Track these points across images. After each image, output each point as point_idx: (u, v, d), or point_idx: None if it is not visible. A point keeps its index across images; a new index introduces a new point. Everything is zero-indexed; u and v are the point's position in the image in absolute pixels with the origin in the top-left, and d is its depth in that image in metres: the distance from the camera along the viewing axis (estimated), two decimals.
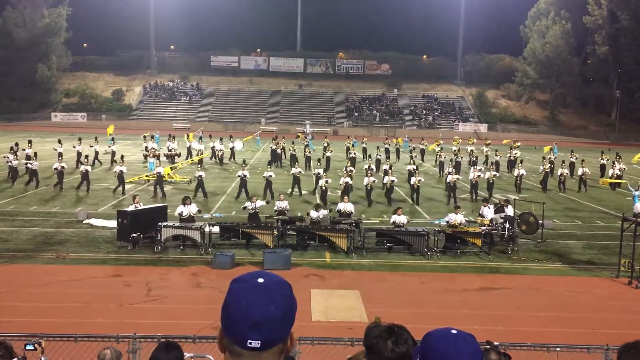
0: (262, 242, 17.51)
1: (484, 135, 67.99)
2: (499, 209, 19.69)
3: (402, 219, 18.09)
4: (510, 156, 36.55)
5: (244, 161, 28.62)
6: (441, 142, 40.73)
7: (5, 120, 68.56)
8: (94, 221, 20.51)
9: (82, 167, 26.38)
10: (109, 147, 36.22)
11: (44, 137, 50.09)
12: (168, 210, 18.97)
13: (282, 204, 19.33)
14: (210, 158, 37.93)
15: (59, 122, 71.95)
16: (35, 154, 28.74)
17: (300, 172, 26.56)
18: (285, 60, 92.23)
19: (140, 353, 8.08)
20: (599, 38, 77.02)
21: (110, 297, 13.23)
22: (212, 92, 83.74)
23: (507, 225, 18.41)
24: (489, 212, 19.16)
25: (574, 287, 15.13)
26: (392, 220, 18.34)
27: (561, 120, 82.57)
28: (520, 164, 30.87)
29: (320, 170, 27.07)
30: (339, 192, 24.92)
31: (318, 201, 24.22)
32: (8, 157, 28.19)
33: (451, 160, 33.16)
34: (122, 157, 28.56)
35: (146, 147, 37.22)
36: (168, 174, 29.88)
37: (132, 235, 17.23)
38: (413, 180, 25.43)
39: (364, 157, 38.67)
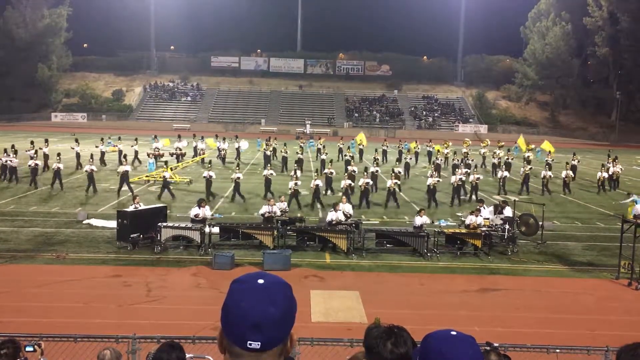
0: (257, 243, 17.53)
1: (484, 137, 67.99)
2: (498, 210, 19.70)
3: (424, 219, 18.05)
4: (503, 158, 36.31)
5: (210, 162, 28.69)
6: (450, 143, 40.39)
7: (6, 120, 68.57)
8: (94, 221, 20.52)
9: (87, 167, 26.11)
10: (115, 146, 36.36)
11: (43, 137, 50.02)
12: (176, 213, 18.94)
13: (282, 204, 19.34)
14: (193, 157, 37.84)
15: (59, 122, 71.96)
16: (36, 152, 28.77)
17: (272, 174, 25.75)
18: (286, 61, 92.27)
19: (140, 354, 8.08)
20: (599, 39, 77.04)
21: (110, 298, 13.23)
22: (212, 92, 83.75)
23: (507, 226, 18.41)
24: (484, 212, 19.16)
25: (573, 289, 15.13)
26: (415, 223, 18.20)
27: (561, 122, 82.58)
28: (503, 166, 30.74)
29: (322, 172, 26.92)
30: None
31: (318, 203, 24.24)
32: (7, 158, 28.23)
33: (445, 160, 33.05)
34: (125, 156, 28.63)
35: (156, 148, 37.37)
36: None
37: (132, 236, 17.24)
38: (361, 181, 24.47)
39: (360, 160, 38.62)
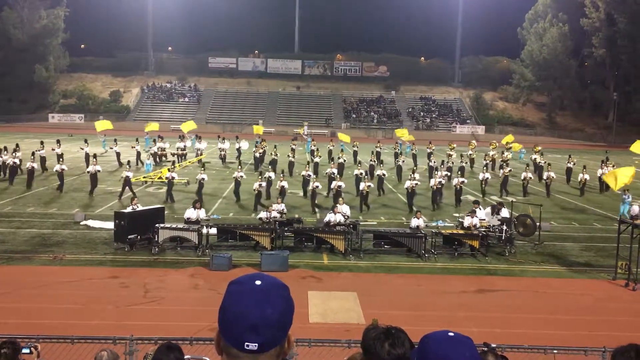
0: (255, 244, 17.51)
1: (481, 137, 68.08)
2: (495, 211, 19.72)
3: (420, 222, 18.08)
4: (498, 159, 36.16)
5: (204, 164, 28.41)
6: (454, 145, 40.24)
7: (3, 121, 68.43)
8: (91, 222, 20.48)
9: (91, 168, 25.90)
10: (110, 148, 36.28)
11: (41, 138, 49.96)
12: (173, 214, 18.95)
13: (280, 206, 19.34)
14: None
15: (57, 123, 71.86)
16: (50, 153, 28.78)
17: (242, 176, 25.39)
18: (283, 62, 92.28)
19: (138, 355, 8.07)
20: (597, 40, 77.20)
21: (107, 299, 13.21)
22: (210, 93, 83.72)
23: (504, 227, 18.44)
24: (480, 213, 19.18)
25: (571, 289, 15.15)
26: (412, 225, 18.24)
27: (558, 123, 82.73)
28: (485, 168, 30.54)
29: (311, 173, 26.65)
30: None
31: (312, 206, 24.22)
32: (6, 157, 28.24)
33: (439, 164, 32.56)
34: (128, 162, 28.15)
35: (161, 147, 37.35)
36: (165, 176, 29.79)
37: (129, 237, 17.21)
38: (362, 185, 24.21)
39: (355, 162, 38.46)
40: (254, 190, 23.57)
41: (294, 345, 7.40)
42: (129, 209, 18.30)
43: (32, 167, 26.96)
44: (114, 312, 12.52)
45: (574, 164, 34.37)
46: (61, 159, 27.16)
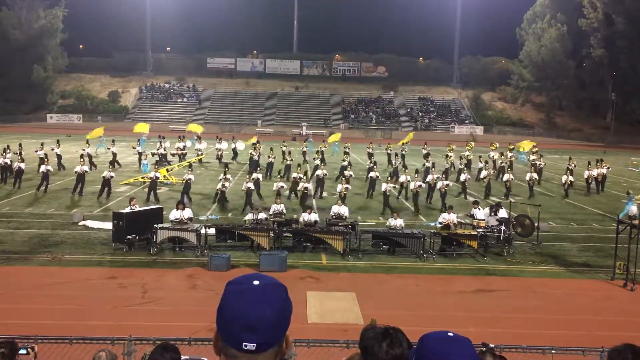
0: (254, 244, 17.50)
1: (480, 138, 68.16)
2: (493, 211, 19.75)
3: (398, 222, 18.13)
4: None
5: (190, 165, 28.05)
6: (453, 147, 40.20)
7: (1, 121, 68.35)
8: (90, 223, 20.46)
9: (78, 168, 25.95)
10: (98, 149, 36.30)
11: (39, 138, 49.94)
12: (164, 213, 18.94)
13: (278, 207, 19.34)
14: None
15: (55, 123, 71.81)
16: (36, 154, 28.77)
17: (253, 183, 25.25)
18: (282, 62, 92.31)
19: (136, 355, 8.06)
20: (595, 41, 77.33)
21: (105, 299, 13.20)
22: (208, 93, 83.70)
23: (502, 227, 18.45)
24: (479, 213, 19.20)
25: (569, 289, 15.17)
26: (387, 224, 18.39)
27: (557, 123, 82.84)
28: (466, 169, 30.10)
29: (302, 175, 26.41)
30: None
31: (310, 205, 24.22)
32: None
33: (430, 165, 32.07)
34: (117, 162, 28.24)
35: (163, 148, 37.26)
36: (164, 176, 29.81)
37: (127, 237, 17.19)
38: (339, 188, 23.88)
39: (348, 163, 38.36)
40: (217, 190, 23.59)
41: (292, 346, 7.41)
42: (127, 209, 18.28)
43: (20, 168, 26.80)
44: (112, 312, 12.51)
45: (575, 166, 33.67)
46: (46, 160, 27.22)
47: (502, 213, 19.45)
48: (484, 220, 18.91)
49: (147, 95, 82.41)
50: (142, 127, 43.58)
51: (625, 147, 68.57)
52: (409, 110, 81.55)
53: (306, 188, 23.75)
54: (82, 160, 26.69)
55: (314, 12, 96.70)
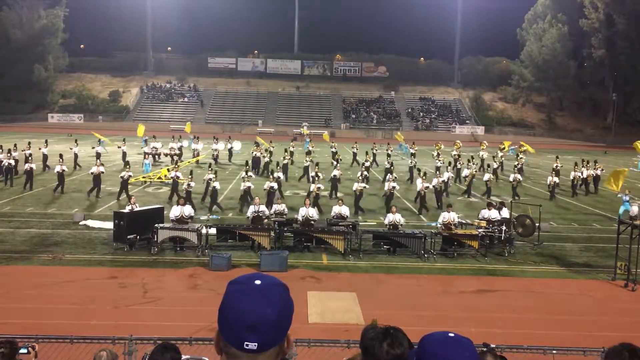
0: (255, 244, 17.50)
1: (481, 138, 68.11)
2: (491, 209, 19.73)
3: (396, 217, 18.10)
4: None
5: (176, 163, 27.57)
6: (442, 146, 40.21)
7: (1, 121, 68.42)
8: (91, 222, 20.47)
9: (94, 169, 25.69)
10: (118, 147, 36.39)
11: (39, 138, 50.01)
12: (165, 212, 18.95)
13: (280, 206, 19.32)
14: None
15: (56, 123, 71.87)
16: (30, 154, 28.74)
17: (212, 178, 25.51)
18: (283, 62, 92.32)
19: (137, 355, 8.06)
20: (596, 41, 77.30)
21: (106, 299, 13.20)
22: (209, 93, 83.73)
23: (503, 227, 18.44)
24: (488, 213, 19.16)
25: (570, 290, 15.16)
26: (386, 220, 18.32)
27: (558, 123, 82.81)
28: (448, 168, 29.85)
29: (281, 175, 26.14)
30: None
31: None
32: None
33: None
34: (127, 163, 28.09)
35: (154, 147, 37.23)
36: (165, 175, 29.83)
37: (128, 237, 17.20)
38: (387, 186, 24.26)
39: (352, 163, 38.43)
40: (265, 189, 23.32)
41: (293, 345, 7.40)
42: (127, 209, 18.28)
43: (10, 165, 26.89)
44: (113, 312, 12.51)
45: (562, 166, 33.06)
46: (30, 158, 27.40)
47: (504, 213, 19.42)
48: (497, 219, 18.82)
49: (148, 95, 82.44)
50: (138, 130, 43.47)
51: (626, 147, 68.51)
52: (409, 110, 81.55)
53: (319, 188, 23.80)
54: (60, 160, 26.68)
55: (315, 12, 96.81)
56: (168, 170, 31.43)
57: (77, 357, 8.13)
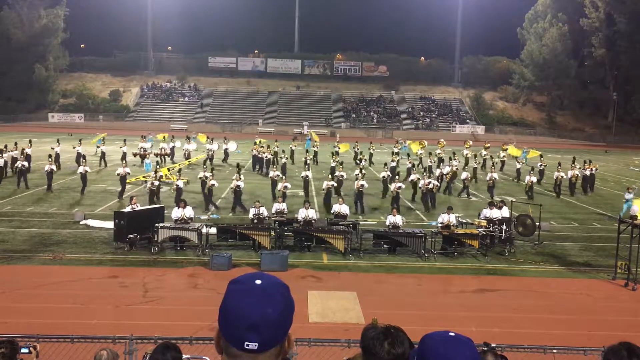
0: (255, 243, 17.50)
1: (481, 137, 68.10)
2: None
3: (397, 219, 18.12)
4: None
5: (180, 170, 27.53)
6: (425, 143, 40.17)
7: (2, 120, 68.43)
8: (91, 222, 20.48)
9: (80, 169, 26.08)
10: (98, 147, 36.43)
11: (40, 137, 50.01)
12: (165, 212, 18.95)
13: (280, 205, 19.32)
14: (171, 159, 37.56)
15: (56, 122, 71.85)
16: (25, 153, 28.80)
17: (278, 175, 25.36)
18: (283, 62, 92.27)
19: (137, 354, 8.07)
20: (596, 41, 77.27)
21: (106, 298, 13.21)
22: (209, 93, 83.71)
23: (504, 227, 18.44)
24: (489, 212, 19.16)
25: (570, 289, 15.16)
26: (387, 222, 18.34)
27: (558, 123, 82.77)
28: (425, 172, 29.57)
29: (279, 173, 26.13)
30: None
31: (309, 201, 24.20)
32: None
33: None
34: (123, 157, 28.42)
35: (142, 147, 37.08)
36: (165, 175, 29.82)
37: (129, 236, 17.20)
38: (392, 186, 24.16)
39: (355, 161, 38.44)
40: (281, 187, 23.29)
41: (293, 345, 7.41)
42: (128, 209, 18.29)
43: (52, 169, 26.77)
44: (114, 311, 12.52)
45: (546, 165, 33.43)
46: (22, 156, 27.64)
47: (505, 212, 19.42)
48: (498, 218, 18.82)
49: (149, 94, 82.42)
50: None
51: (627, 146, 68.53)
52: (410, 109, 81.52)
53: (330, 186, 23.89)
54: (84, 160, 26.80)
55: (315, 11, 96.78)
56: (168, 169, 31.45)
57: (77, 356, 8.14)
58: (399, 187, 23.92)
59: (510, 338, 10.20)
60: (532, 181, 28.37)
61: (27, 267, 15.46)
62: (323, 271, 15.91)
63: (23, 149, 30.27)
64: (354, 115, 79.50)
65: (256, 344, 1.69)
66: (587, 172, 30.67)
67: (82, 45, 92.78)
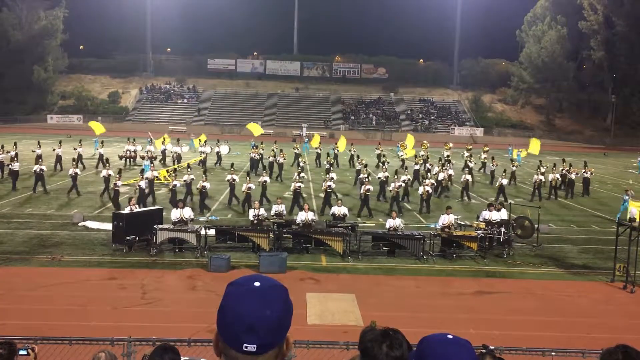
0: (254, 245, 17.49)
1: (480, 140, 68.16)
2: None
3: (397, 222, 18.12)
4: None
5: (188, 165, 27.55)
6: (406, 145, 40.16)
7: (1, 122, 68.37)
8: (90, 223, 20.46)
9: (71, 171, 25.98)
10: (96, 149, 36.32)
11: (39, 139, 49.89)
12: (164, 214, 18.94)
13: (279, 207, 19.32)
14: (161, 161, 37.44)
15: (55, 124, 71.79)
16: (17, 155, 28.77)
17: (266, 180, 25.32)
18: (282, 64, 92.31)
19: (135, 356, 8.06)
20: (595, 43, 77.38)
21: (105, 300, 13.19)
22: (208, 94, 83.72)
23: (502, 229, 18.44)
24: (488, 214, 19.16)
25: (569, 291, 15.16)
26: (387, 225, 18.32)
27: (557, 125, 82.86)
28: (406, 169, 29.43)
29: (267, 179, 26.03)
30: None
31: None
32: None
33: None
34: (107, 159, 28.35)
35: (127, 150, 36.95)
36: (164, 177, 29.82)
37: (127, 238, 17.18)
38: (392, 186, 24.31)
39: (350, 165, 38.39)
40: (243, 191, 23.32)
41: (292, 347, 7.40)
42: (127, 210, 18.28)
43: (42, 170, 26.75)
44: (112, 313, 12.50)
45: (517, 167, 33.85)
46: (16, 159, 27.63)
47: (503, 214, 19.43)
48: (497, 220, 18.82)
49: (147, 96, 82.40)
50: (98, 128, 42.26)
51: (625, 149, 68.61)
52: (409, 111, 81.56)
53: (329, 187, 23.84)
54: (40, 160, 26.97)
55: (314, 13, 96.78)
56: (167, 171, 31.44)
57: (76, 358, 8.13)
58: (400, 186, 23.94)
59: (509, 340, 10.20)
60: (468, 180, 28.48)
61: (26, 269, 15.44)
62: (322, 273, 15.90)
63: (39, 156, 30.56)
64: (352, 117, 79.53)
65: (255, 345, 1.69)
66: (588, 174, 30.77)
67: (81, 47, 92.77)
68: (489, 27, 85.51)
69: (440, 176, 28.72)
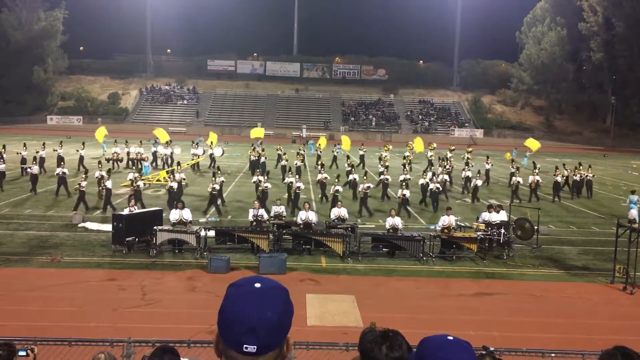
0: (253, 246, 17.48)
1: (480, 141, 68.23)
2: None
3: (396, 220, 18.11)
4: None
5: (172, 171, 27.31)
6: (390, 147, 40.20)
7: (1, 123, 68.39)
8: (89, 225, 20.45)
9: (58, 170, 25.93)
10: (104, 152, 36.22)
11: (39, 140, 49.91)
12: (163, 214, 18.93)
13: (279, 208, 19.31)
14: (152, 162, 37.35)
15: (55, 125, 71.82)
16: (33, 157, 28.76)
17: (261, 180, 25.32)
18: (282, 65, 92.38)
19: (135, 357, 8.05)
20: (594, 44, 77.45)
21: (104, 301, 13.18)
22: (208, 96, 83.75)
23: (502, 230, 18.44)
24: (488, 215, 19.16)
25: (569, 293, 15.16)
26: (387, 225, 18.32)
27: (556, 126, 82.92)
28: (386, 170, 29.24)
29: (261, 178, 26.17)
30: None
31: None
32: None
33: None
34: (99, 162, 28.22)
35: (115, 152, 36.89)
36: (164, 178, 29.80)
37: (127, 239, 17.17)
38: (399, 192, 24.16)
39: (361, 165, 38.49)
40: (264, 189, 23.38)
41: (292, 348, 7.40)
42: (126, 211, 18.27)
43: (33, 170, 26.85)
44: (112, 314, 12.49)
45: (492, 165, 33.98)
46: (63, 163, 27.55)
47: (503, 215, 19.43)
48: (497, 221, 18.82)
49: (147, 97, 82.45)
50: (100, 134, 41.99)
51: (625, 150, 68.65)
52: (409, 113, 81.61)
53: (337, 190, 23.73)
54: (34, 161, 27.21)
55: (314, 14, 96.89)
56: (167, 172, 31.39)
57: (75, 359, 8.12)
58: (368, 188, 23.89)
59: (509, 342, 10.20)
60: (538, 181, 28.53)
61: (25, 270, 15.43)
62: (321, 274, 15.90)
63: (61, 158, 30.57)
64: (352, 119, 79.56)
65: (255, 347, 1.69)
66: (590, 176, 30.90)
67: (81, 48, 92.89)
68: (489, 28, 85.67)
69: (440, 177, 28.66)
